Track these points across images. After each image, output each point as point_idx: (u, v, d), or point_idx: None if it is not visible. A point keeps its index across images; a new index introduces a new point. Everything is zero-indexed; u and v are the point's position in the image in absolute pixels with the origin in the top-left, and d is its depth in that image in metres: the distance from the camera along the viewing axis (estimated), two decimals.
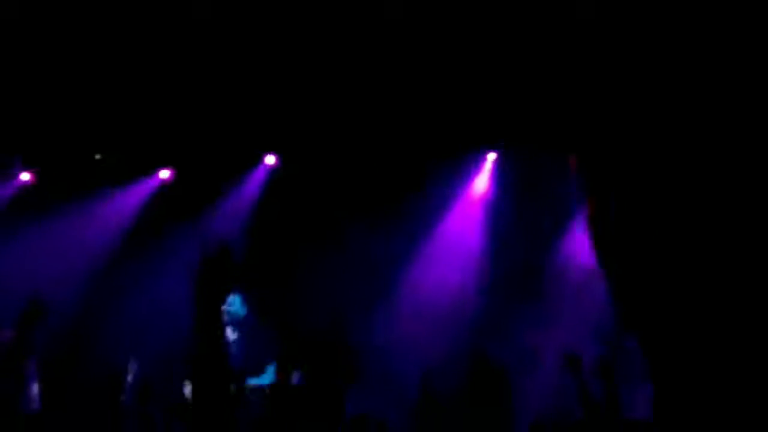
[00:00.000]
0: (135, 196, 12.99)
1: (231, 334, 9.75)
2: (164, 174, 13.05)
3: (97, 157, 12.77)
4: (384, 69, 11.00)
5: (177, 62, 11.21)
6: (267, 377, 9.79)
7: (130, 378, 10.76)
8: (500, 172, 12.64)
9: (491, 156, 12.63)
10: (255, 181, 12.84)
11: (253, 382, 9.74)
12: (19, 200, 12.87)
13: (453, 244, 12.70)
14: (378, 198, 12.19)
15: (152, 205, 12.96)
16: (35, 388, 9.58)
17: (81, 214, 12.67)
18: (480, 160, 12.68)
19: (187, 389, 9.60)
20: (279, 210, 12.72)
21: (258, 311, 10.13)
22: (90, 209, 12.75)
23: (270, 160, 12.81)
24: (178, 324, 10.65)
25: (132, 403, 10.36)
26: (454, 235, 12.71)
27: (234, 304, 9.81)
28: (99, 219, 12.78)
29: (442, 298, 12.24)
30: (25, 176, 12.91)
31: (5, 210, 12.78)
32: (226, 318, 9.65)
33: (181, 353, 10.08)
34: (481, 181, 12.73)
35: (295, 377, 9.64)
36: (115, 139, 12.36)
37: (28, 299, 9.25)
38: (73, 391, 11.71)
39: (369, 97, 11.44)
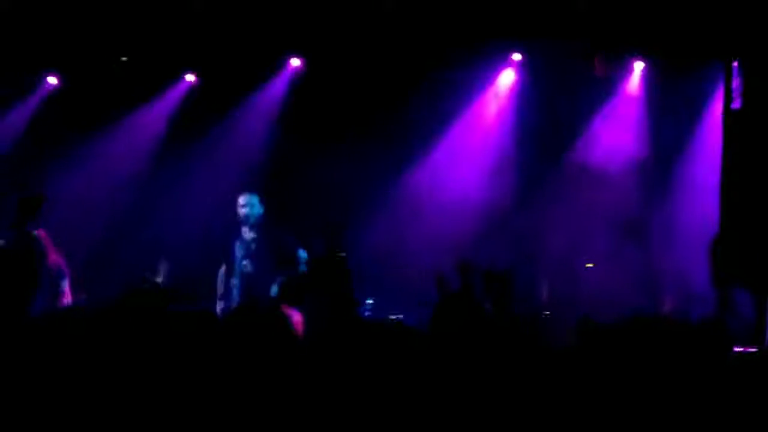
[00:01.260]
0: (163, 102, 13.04)
1: (248, 233, 9.90)
2: (190, 78, 13.06)
3: (124, 59, 12.81)
4: None
5: None
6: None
7: (160, 279, 10.95)
8: (523, 74, 12.55)
9: (516, 56, 12.50)
10: (279, 84, 12.83)
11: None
12: (48, 106, 12.98)
13: (474, 145, 12.70)
14: (398, 100, 12.14)
15: (179, 111, 13.01)
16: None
17: (112, 122, 12.79)
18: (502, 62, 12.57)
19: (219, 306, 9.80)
20: (303, 112, 12.71)
21: (274, 211, 10.25)
22: (121, 117, 12.85)
23: (295, 62, 12.76)
24: (208, 225, 10.86)
25: None
26: (475, 136, 12.71)
27: (251, 204, 9.93)
28: (130, 127, 12.88)
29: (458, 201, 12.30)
30: (52, 80, 12.98)
31: (36, 117, 12.91)
32: (243, 217, 9.86)
33: (211, 254, 10.26)
34: (504, 81, 12.66)
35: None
36: (141, 42, 12.38)
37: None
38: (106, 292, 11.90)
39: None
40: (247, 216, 9.92)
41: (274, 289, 9.87)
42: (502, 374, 4.45)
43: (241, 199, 10.04)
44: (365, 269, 12.26)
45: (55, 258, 10.18)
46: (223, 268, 10.08)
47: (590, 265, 11.99)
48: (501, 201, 12.34)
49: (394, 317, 11.51)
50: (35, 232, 10.11)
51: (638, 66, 12.35)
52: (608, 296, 10.77)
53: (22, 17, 11.76)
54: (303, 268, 10.04)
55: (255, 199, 10.04)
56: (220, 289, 9.97)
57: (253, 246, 9.95)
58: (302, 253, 10.06)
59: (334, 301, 9.79)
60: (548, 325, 10.94)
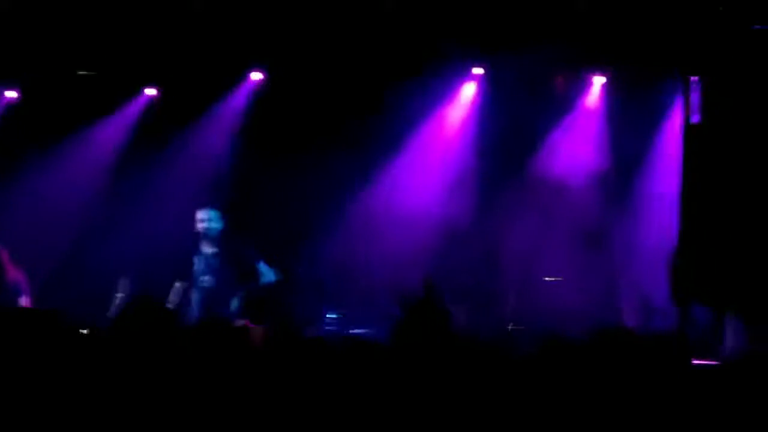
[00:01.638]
0: (123, 115, 12.96)
1: (207, 247, 9.85)
2: (150, 91, 12.99)
3: (82, 72, 12.72)
4: None
5: None
6: (267, 276, 9.91)
7: (119, 296, 10.87)
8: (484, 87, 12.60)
9: (477, 70, 12.54)
10: (240, 97, 12.79)
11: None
12: (6, 119, 12.87)
13: (434, 159, 12.73)
14: (359, 112, 12.13)
15: (139, 124, 12.94)
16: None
17: (72, 136, 12.69)
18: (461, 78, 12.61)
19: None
20: (263, 126, 12.69)
21: (235, 225, 10.22)
22: (80, 131, 12.75)
23: (256, 76, 12.73)
24: (169, 243, 10.79)
25: None
26: (435, 149, 12.74)
27: (210, 219, 9.89)
28: (90, 141, 12.79)
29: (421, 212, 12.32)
30: (10, 94, 12.88)
31: None
32: (202, 232, 9.82)
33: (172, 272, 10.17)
34: (464, 94, 12.71)
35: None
36: (100, 56, 12.30)
37: None
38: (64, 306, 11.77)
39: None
40: (206, 230, 9.88)
41: (234, 303, 9.83)
42: (465, 386, 4.45)
43: (200, 214, 10.00)
44: (327, 283, 12.27)
45: (13, 274, 10.10)
46: (178, 283, 10.00)
47: (551, 279, 12.04)
48: (461, 214, 12.36)
49: (356, 331, 11.50)
50: None
51: (598, 80, 12.44)
52: (570, 309, 10.82)
53: None
54: (265, 280, 10.00)
55: (214, 214, 10.00)
56: (174, 302, 9.87)
57: (212, 260, 9.92)
58: (262, 266, 10.03)
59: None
60: (513, 337, 10.97)
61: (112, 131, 12.86)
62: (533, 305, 11.70)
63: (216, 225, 9.94)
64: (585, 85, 12.50)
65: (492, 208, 12.31)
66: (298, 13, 11.58)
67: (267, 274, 10.00)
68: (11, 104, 12.88)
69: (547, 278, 12.02)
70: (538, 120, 12.30)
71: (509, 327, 11.61)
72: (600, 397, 3.78)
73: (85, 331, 10.34)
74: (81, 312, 11.20)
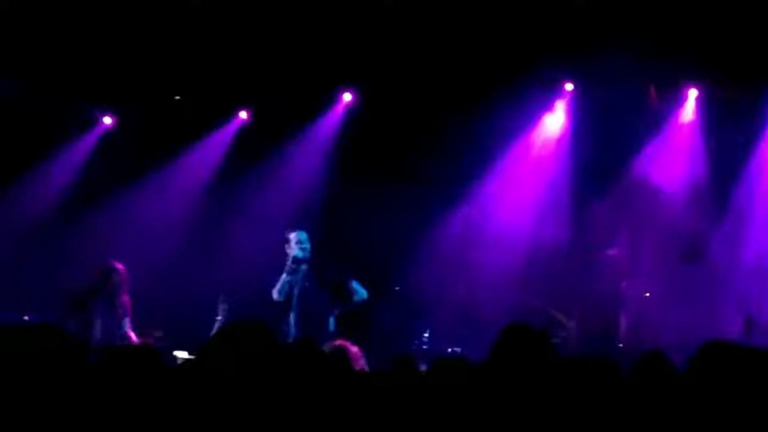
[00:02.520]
0: (216, 139, 13.11)
1: (301, 269, 9.87)
2: (242, 115, 13.13)
3: (177, 98, 12.92)
4: None
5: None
6: (360, 294, 9.92)
7: (219, 317, 10.98)
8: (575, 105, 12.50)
9: (568, 86, 12.45)
10: (332, 119, 12.86)
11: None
12: (103, 146, 13.10)
13: (528, 175, 12.66)
14: (451, 130, 12.09)
15: (232, 148, 13.08)
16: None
17: (166, 161, 12.87)
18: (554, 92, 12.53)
19: None
20: (354, 145, 12.73)
21: (326, 245, 10.25)
22: (175, 155, 12.93)
23: (347, 97, 12.80)
24: (263, 266, 10.84)
25: None
26: (528, 165, 12.67)
27: (302, 240, 9.92)
28: (184, 165, 12.96)
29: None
30: (107, 120, 13.11)
31: (91, 157, 13.02)
32: (295, 254, 9.84)
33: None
34: (555, 116, 12.62)
35: None
36: (193, 80, 12.48)
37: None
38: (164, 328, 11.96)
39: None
40: (302, 252, 9.89)
41: (331, 323, 9.84)
42: (569, 407, 4.39)
43: (293, 236, 10.02)
44: (420, 302, 12.25)
45: (125, 296, 10.31)
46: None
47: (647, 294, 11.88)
48: (557, 229, 12.27)
49: (451, 350, 11.46)
50: (116, 264, 10.29)
51: (692, 93, 12.25)
52: (671, 324, 10.66)
53: (76, 57, 11.90)
54: (358, 298, 9.99)
55: (305, 236, 10.02)
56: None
57: (307, 282, 9.93)
58: (354, 284, 10.02)
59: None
60: (624, 356, 10.79)
61: (206, 154, 13.03)
62: (637, 321, 11.53)
63: (308, 246, 9.96)
64: (679, 98, 12.31)
65: (588, 223, 12.18)
66: (388, 31, 11.60)
67: (359, 291, 9.98)
68: (108, 130, 13.11)
69: (647, 293, 11.84)
70: (632, 134, 12.15)
71: (619, 345, 11.47)
72: (710, 414, 3.69)
73: (184, 355, 10.52)
74: (180, 334, 11.52)
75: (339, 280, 9.98)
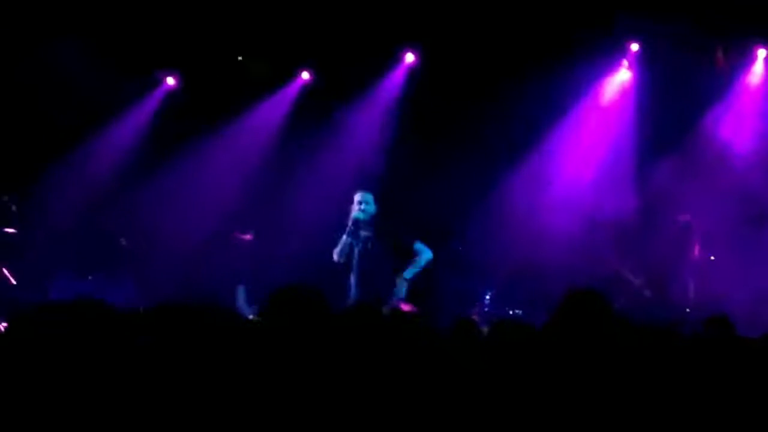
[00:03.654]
0: (280, 100, 13.12)
1: (365, 231, 9.84)
2: (305, 75, 13.12)
3: (240, 59, 12.94)
4: None
5: None
6: (425, 254, 9.88)
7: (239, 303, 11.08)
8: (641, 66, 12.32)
9: (634, 47, 12.28)
10: (395, 79, 12.81)
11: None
12: (166, 107, 13.16)
13: (591, 137, 12.53)
14: (513, 92, 11.94)
15: (295, 108, 13.08)
16: None
17: (229, 122, 12.90)
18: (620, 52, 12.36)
19: None
20: (415, 109, 12.67)
21: (389, 208, 10.21)
22: (237, 116, 12.96)
23: (409, 57, 12.73)
24: (327, 227, 10.85)
25: None
26: (591, 128, 12.54)
27: (367, 201, 9.89)
28: (246, 127, 12.99)
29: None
30: (170, 81, 13.16)
31: (154, 119, 13.10)
32: (358, 215, 9.82)
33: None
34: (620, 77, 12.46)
35: None
36: (256, 41, 12.49)
37: None
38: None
39: None
40: (362, 213, 9.86)
41: (402, 288, 9.75)
42: (627, 373, 4.35)
43: (357, 197, 9.98)
44: (482, 265, 12.21)
45: None
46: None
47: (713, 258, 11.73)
48: (622, 194, 12.14)
49: (512, 313, 11.42)
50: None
51: (761, 54, 12.02)
52: (740, 288, 10.55)
53: (141, 21, 11.94)
54: (424, 259, 9.91)
55: (370, 197, 9.98)
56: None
57: (369, 244, 9.90)
58: (419, 245, 9.95)
59: None
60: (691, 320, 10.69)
61: (269, 115, 13.05)
62: (705, 285, 11.40)
63: (372, 208, 9.92)
64: (748, 59, 12.08)
65: (654, 186, 12.04)
66: None
67: (425, 252, 9.91)
68: (171, 91, 13.17)
69: (712, 257, 11.69)
70: (700, 96, 11.96)
71: (686, 310, 11.35)
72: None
73: (252, 317, 10.60)
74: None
75: (404, 242, 9.94)
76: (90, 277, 11.51)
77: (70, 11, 11.68)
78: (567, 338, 4.45)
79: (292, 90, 13.08)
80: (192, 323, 4.33)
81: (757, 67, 12.06)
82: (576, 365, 4.34)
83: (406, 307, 6.98)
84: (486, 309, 11.85)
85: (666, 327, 4.88)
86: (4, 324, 6.66)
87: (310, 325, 4.15)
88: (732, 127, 11.96)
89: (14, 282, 11.83)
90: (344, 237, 9.84)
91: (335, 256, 9.87)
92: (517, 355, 4.68)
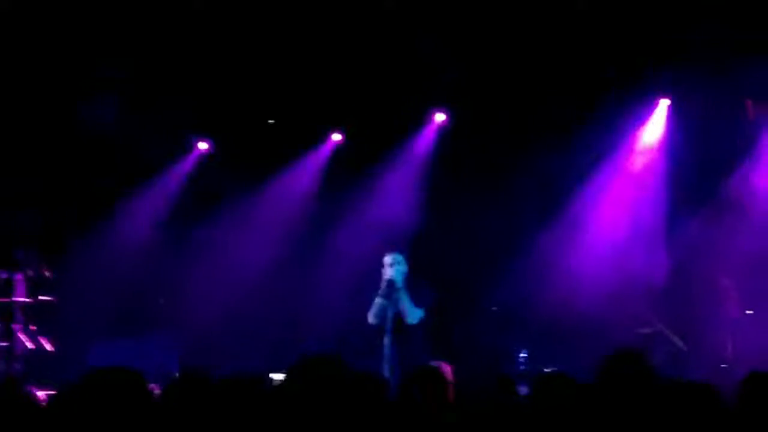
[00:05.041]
0: (311, 161, 13.20)
1: (394, 291, 9.82)
2: (336, 137, 13.20)
3: (271, 122, 13.06)
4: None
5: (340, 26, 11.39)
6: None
7: None
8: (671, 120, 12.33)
9: (664, 102, 12.31)
10: (425, 139, 12.87)
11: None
12: (200, 170, 13.28)
13: (623, 190, 12.52)
14: (545, 146, 11.95)
15: (328, 170, 13.15)
16: None
17: (261, 185, 13.00)
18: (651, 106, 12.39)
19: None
20: (445, 164, 12.71)
21: (420, 266, 10.21)
22: (269, 179, 13.05)
23: (439, 117, 12.81)
24: (358, 289, 10.85)
25: None
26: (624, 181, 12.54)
27: (398, 262, 9.90)
28: (280, 187, 13.07)
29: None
30: (202, 145, 13.29)
31: (188, 182, 13.21)
32: (390, 277, 9.82)
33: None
34: (653, 128, 12.46)
35: None
36: (287, 104, 12.60)
37: None
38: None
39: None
40: (395, 275, 9.87)
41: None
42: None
43: (388, 258, 9.99)
44: (516, 322, 12.18)
45: None
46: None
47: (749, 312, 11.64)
48: (653, 257, 12.12)
49: (548, 370, 11.36)
50: None
51: None
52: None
53: (170, 86, 12.10)
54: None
55: (401, 257, 9.99)
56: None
57: (400, 304, 9.87)
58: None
59: None
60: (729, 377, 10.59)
61: (300, 177, 13.13)
62: (741, 342, 11.30)
63: (404, 267, 9.93)
64: None
65: (685, 242, 11.99)
66: (476, 50, 11.62)
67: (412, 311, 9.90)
68: (204, 155, 13.29)
69: (749, 312, 11.60)
70: (729, 147, 11.94)
71: (722, 365, 11.26)
72: None
73: (280, 377, 10.59)
74: (278, 355, 11.64)
75: (426, 300, 9.95)
76: (128, 340, 11.56)
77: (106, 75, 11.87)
78: (609, 400, 4.44)
79: (323, 152, 13.17)
80: (220, 393, 4.38)
81: None
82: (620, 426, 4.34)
83: (447, 367, 6.95)
84: (522, 367, 11.80)
85: (704, 384, 4.86)
86: (45, 392, 6.70)
87: (332, 394, 4.18)
88: (762, 181, 11.91)
89: (52, 349, 11.92)
90: (378, 299, 9.84)
91: (370, 318, 9.87)
92: (562, 416, 4.68)
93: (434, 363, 7.28)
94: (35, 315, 12.09)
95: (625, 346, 4.74)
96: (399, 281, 9.83)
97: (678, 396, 4.42)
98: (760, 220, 11.76)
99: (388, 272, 9.86)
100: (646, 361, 4.60)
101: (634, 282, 12.00)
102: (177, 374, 9.15)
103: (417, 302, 9.87)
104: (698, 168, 11.91)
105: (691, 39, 10.91)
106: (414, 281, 9.98)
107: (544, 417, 4.75)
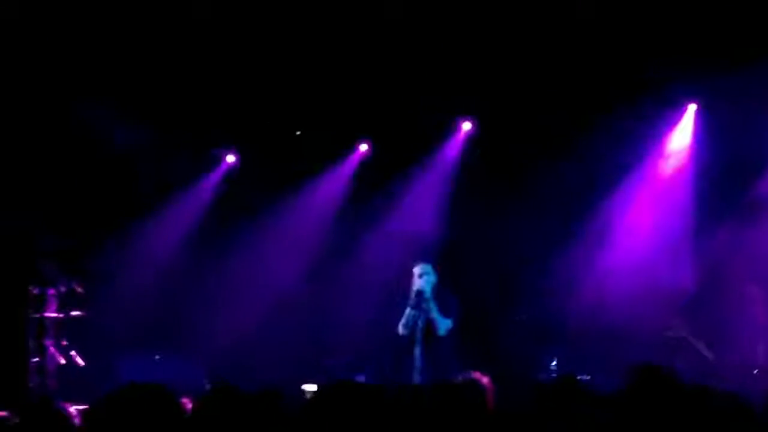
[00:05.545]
0: (339, 172, 13.21)
1: (424, 302, 9.81)
2: (363, 147, 13.21)
3: (298, 133, 13.09)
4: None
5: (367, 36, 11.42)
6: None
7: None
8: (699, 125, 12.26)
9: (691, 107, 12.25)
10: (452, 149, 12.86)
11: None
12: (227, 183, 13.32)
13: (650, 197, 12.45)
14: (568, 156, 11.92)
15: (355, 181, 13.15)
16: None
17: (289, 196, 13.00)
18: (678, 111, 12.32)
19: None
20: (471, 175, 12.69)
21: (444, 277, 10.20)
22: (297, 190, 13.06)
23: (466, 126, 12.79)
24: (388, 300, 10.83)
25: None
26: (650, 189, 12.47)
27: (427, 273, 9.90)
28: (308, 198, 13.08)
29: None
30: (230, 158, 13.33)
31: (216, 195, 13.26)
32: (419, 287, 9.82)
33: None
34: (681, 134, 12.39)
35: None
36: (313, 115, 12.62)
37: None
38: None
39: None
40: (425, 285, 9.87)
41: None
42: None
43: (417, 269, 9.99)
44: (546, 330, 12.16)
45: None
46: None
47: None
48: (680, 265, 12.06)
49: (580, 378, 11.30)
50: None
51: None
52: None
53: (197, 100, 12.15)
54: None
55: (429, 268, 9.99)
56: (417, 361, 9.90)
57: (430, 314, 9.86)
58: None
59: None
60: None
61: (328, 187, 13.13)
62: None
63: (433, 278, 9.93)
64: None
65: (715, 250, 11.91)
66: (501, 58, 11.61)
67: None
68: (231, 167, 13.33)
69: None
70: (756, 152, 11.85)
71: (755, 371, 11.19)
72: None
73: (312, 387, 10.60)
74: (306, 367, 11.67)
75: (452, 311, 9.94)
76: (157, 356, 11.60)
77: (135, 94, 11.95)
78: (638, 409, 4.44)
79: (350, 163, 13.18)
80: (254, 406, 4.39)
81: None
82: None
83: (485, 379, 6.92)
84: (554, 375, 11.76)
85: (733, 392, 4.84)
86: (75, 407, 6.73)
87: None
88: None
89: (83, 363, 11.98)
90: (408, 309, 9.83)
91: (400, 329, 9.86)
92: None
93: (471, 373, 7.26)
94: (66, 330, 12.16)
95: (651, 356, 4.74)
96: (428, 291, 9.84)
97: (705, 405, 4.41)
98: None
99: (418, 283, 9.86)
100: (672, 371, 4.59)
101: (662, 289, 11.94)
102: (208, 387, 9.19)
103: (445, 313, 9.88)
104: (725, 173, 11.84)
105: (717, 43, 10.86)
106: (441, 291, 9.99)
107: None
